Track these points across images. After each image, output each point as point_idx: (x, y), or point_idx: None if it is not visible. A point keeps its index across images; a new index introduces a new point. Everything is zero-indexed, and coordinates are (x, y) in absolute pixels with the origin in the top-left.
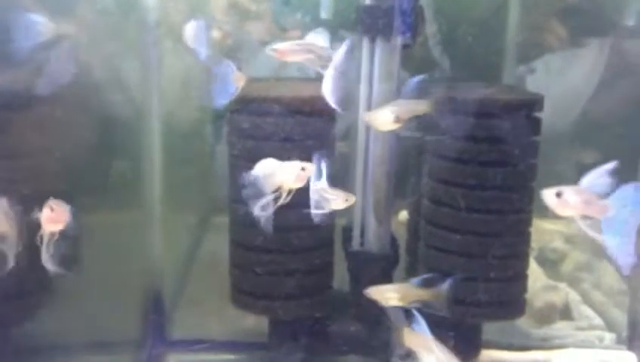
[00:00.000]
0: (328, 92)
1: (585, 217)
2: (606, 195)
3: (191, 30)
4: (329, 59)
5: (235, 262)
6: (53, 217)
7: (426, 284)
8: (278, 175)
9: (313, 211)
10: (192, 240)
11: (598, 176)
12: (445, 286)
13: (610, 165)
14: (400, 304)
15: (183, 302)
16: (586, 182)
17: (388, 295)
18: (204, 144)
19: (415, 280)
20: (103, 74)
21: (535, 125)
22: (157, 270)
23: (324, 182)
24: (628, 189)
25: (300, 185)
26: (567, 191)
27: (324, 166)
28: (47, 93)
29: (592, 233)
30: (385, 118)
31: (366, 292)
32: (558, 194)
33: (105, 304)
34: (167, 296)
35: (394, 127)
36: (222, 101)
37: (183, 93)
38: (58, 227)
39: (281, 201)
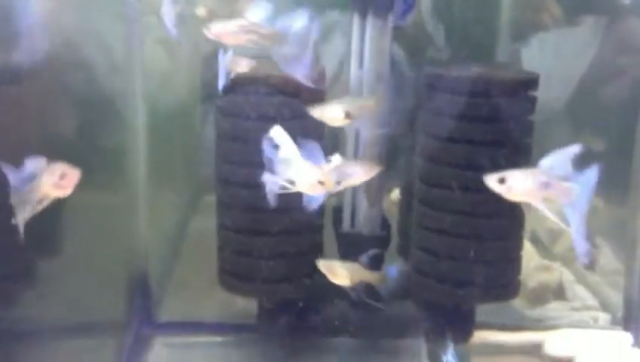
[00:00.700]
0: (288, 69)
1: (547, 200)
2: (566, 178)
3: (164, 5)
4: (273, 37)
5: (223, 244)
6: (63, 183)
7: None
8: (294, 171)
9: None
10: (180, 219)
11: (559, 159)
12: (392, 273)
13: (574, 148)
14: (345, 282)
15: (171, 283)
16: (546, 164)
17: (336, 271)
18: (193, 121)
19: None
20: (83, 50)
21: (530, 104)
22: (142, 251)
23: (338, 158)
24: (592, 172)
25: (310, 193)
26: (513, 176)
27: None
28: (21, 69)
29: (555, 217)
30: (334, 114)
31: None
32: (502, 180)
33: (89, 286)
34: (154, 278)
35: (344, 123)
36: (220, 84)
37: (170, 70)
38: (66, 193)
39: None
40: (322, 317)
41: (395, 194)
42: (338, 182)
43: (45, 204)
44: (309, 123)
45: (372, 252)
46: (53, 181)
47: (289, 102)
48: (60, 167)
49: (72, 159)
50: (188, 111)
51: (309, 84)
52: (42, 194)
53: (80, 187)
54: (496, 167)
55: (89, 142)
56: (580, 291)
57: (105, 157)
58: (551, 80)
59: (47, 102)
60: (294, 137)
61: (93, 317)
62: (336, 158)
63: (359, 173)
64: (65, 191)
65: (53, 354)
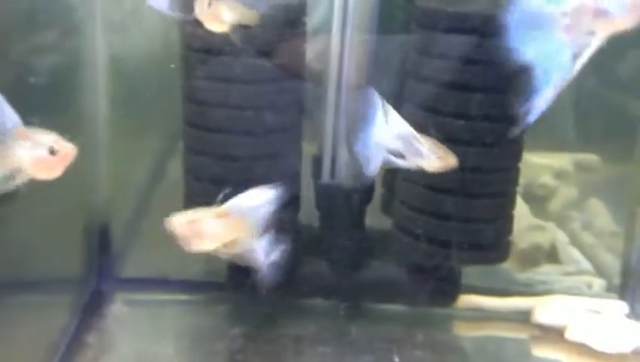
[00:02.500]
0: None
1: None
2: None
3: None
4: None
5: (189, 195)
6: (52, 162)
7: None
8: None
9: (393, 159)
10: (152, 166)
11: None
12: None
13: None
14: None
15: (136, 236)
16: None
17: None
18: (167, 56)
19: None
20: None
21: None
22: (102, 199)
23: (408, 128)
24: None
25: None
26: None
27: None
28: None
29: None
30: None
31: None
32: None
33: (40, 236)
34: (116, 229)
35: (220, 28)
36: None
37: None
38: (55, 175)
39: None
40: (296, 277)
41: None
42: (401, 156)
43: (18, 181)
44: (285, 85)
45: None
46: (37, 156)
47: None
48: (50, 139)
49: (20, 97)
50: (161, 44)
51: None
52: (15, 168)
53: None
54: (490, 115)
55: (41, 78)
56: (574, 254)
57: (59, 94)
58: None
59: None
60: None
61: (45, 271)
62: (394, 118)
63: (431, 158)
64: (52, 173)
65: None
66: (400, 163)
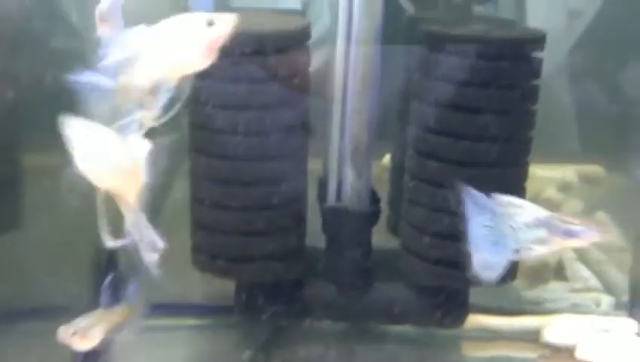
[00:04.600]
0: None
1: None
2: None
3: None
4: None
5: (196, 220)
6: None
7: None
8: None
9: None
10: (160, 186)
11: None
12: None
13: None
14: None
15: (143, 262)
16: None
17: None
18: None
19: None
20: None
21: (535, 67)
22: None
23: (543, 211)
24: None
25: None
26: None
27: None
28: None
29: None
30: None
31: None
32: None
33: (45, 263)
34: (123, 254)
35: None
36: None
37: None
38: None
39: None
40: (303, 299)
41: (387, 159)
42: (541, 243)
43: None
44: (290, 87)
45: None
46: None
47: (265, 63)
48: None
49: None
50: None
51: None
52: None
53: (39, 149)
54: (496, 136)
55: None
56: (581, 270)
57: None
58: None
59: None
60: (273, 102)
61: (52, 297)
62: (521, 205)
63: (587, 234)
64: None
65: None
66: (541, 250)
